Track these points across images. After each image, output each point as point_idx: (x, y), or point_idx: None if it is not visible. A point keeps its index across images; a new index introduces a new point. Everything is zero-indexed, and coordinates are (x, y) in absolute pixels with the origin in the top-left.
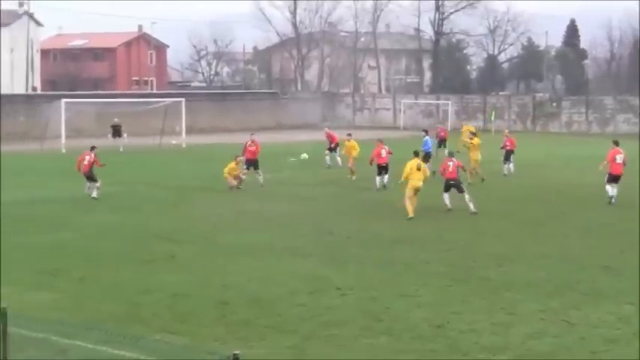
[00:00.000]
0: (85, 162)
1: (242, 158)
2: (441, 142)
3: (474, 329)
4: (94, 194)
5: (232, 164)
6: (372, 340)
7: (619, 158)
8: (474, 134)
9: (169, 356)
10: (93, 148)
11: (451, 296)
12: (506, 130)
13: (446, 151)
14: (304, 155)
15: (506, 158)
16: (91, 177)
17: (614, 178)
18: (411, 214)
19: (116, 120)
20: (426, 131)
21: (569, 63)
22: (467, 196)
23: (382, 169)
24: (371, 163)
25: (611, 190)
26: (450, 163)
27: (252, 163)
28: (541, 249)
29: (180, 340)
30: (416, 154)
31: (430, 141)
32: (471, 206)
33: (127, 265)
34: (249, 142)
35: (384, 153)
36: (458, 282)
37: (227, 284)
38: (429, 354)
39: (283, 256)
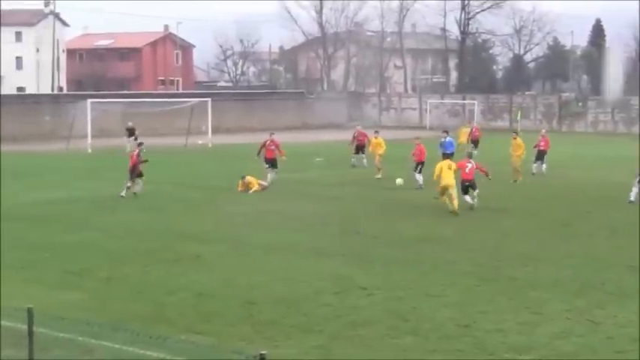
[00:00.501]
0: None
1: (258, 157)
2: (475, 143)
3: (500, 329)
4: (123, 193)
5: (240, 183)
6: (398, 340)
7: None
8: (517, 133)
9: (195, 356)
10: (140, 144)
11: (477, 296)
12: (543, 130)
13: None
14: (320, 159)
15: (539, 158)
16: (132, 173)
17: None
18: (454, 208)
19: (130, 124)
20: (447, 132)
21: (595, 62)
22: (475, 192)
23: (422, 167)
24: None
25: (635, 191)
26: (469, 165)
27: (272, 162)
28: (567, 248)
29: (206, 339)
30: (446, 156)
31: (451, 142)
32: (473, 201)
33: (153, 265)
34: (269, 142)
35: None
36: (484, 281)
37: (253, 284)
38: (456, 354)
39: (309, 256)
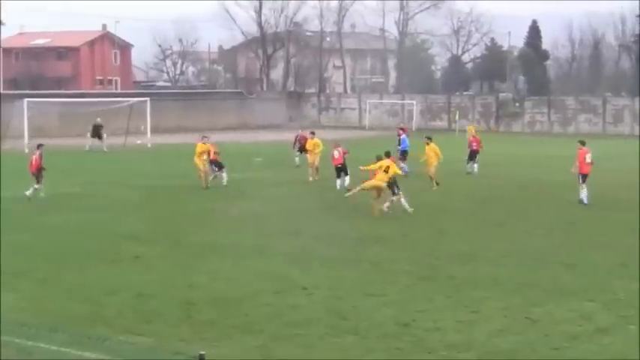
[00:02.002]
0: (33, 161)
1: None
2: (473, 155)
3: (439, 327)
4: (28, 192)
5: (200, 144)
6: (338, 339)
7: (588, 158)
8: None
9: (134, 357)
10: (40, 145)
11: (416, 295)
12: (474, 130)
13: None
14: (259, 159)
15: (471, 158)
16: (37, 176)
17: (584, 178)
18: (374, 213)
19: (98, 120)
20: (403, 129)
21: (531, 63)
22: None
23: (340, 171)
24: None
25: (583, 190)
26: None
27: (217, 164)
28: (504, 247)
29: (146, 340)
30: (387, 154)
31: (408, 140)
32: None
33: (91, 266)
34: (212, 149)
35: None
36: (423, 280)
37: (193, 284)
38: (395, 352)
39: (249, 256)
